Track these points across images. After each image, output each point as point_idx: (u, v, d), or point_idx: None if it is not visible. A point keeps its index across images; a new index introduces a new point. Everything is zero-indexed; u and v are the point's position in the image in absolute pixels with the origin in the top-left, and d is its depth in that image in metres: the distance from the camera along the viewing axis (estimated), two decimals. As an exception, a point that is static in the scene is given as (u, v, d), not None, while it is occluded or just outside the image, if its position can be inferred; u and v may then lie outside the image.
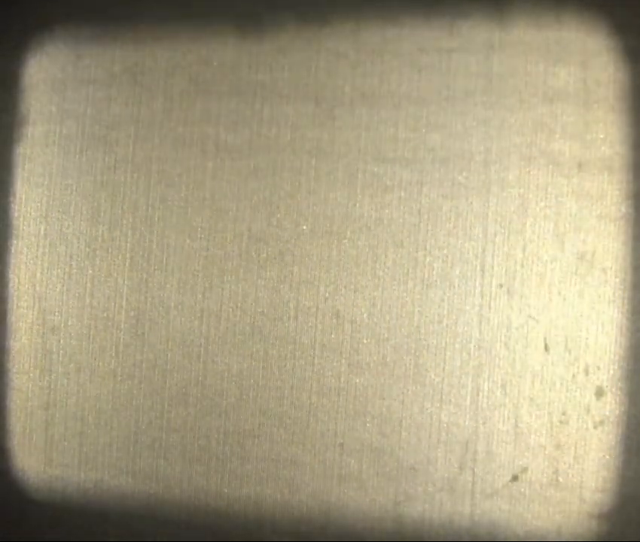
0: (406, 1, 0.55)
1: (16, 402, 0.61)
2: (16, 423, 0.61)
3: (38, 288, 0.60)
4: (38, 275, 0.60)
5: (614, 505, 0.51)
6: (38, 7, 0.61)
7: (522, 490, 0.52)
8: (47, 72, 0.60)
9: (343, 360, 0.55)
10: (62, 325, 0.60)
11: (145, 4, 0.60)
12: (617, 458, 0.51)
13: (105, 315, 0.59)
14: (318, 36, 0.56)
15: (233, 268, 0.57)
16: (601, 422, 0.51)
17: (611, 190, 0.51)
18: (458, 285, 0.54)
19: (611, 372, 0.51)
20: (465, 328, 0.53)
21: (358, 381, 0.55)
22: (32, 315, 0.61)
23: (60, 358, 0.60)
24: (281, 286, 0.56)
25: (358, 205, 0.55)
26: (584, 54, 0.52)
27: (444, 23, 0.54)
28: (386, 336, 0.55)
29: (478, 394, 0.53)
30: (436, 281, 0.54)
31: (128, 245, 0.59)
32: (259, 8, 0.57)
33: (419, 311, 0.54)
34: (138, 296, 0.59)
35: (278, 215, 0.56)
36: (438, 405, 0.54)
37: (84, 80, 0.60)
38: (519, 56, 0.53)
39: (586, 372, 0.52)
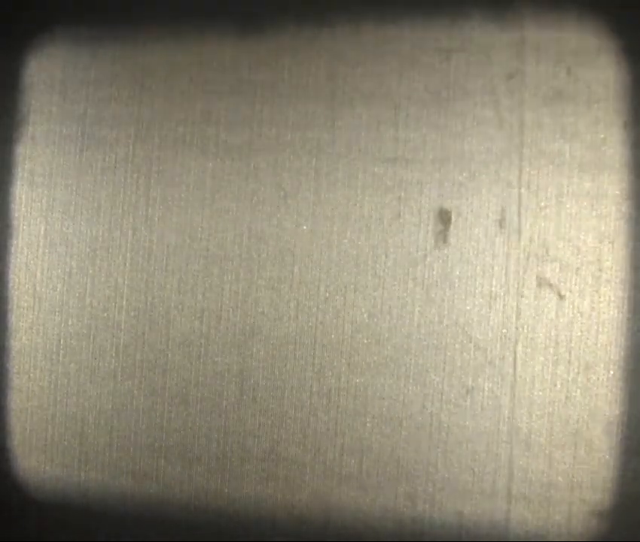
0: (406, 1, 0.55)
1: (16, 402, 0.61)
2: (16, 423, 0.61)
3: (38, 288, 0.60)
4: (38, 275, 0.60)
5: (614, 505, 0.51)
6: (38, 7, 0.61)
7: (522, 490, 0.52)
8: (47, 72, 0.60)
9: (343, 360, 0.55)
10: (62, 325, 0.60)
11: (145, 4, 0.60)
12: (617, 458, 0.51)
13: (105, 315, 0.59)
14: (318, 36, 0.56)
15: (233, 268, 0.57)
16: (601, 422, 0.51)
17: (611, 190, 0.51)
18: (458, 285, 0.54)
19: (611, 372, 0.51)
20: (465, 328, 0.53)
21: (358, 381, 0.55)
22: (32, 315, 0.61)
23: (60, 358, 0.60)
24: (281, 286, 0.56)
25: (357, 205, 0.55)
26: (584, 54, 0.52)
27: (444, 23, 0.54)
28: (386, 336, 0.55)
29: (478, 394, 0.53)
30: (436, 281, 0.54)
31: (128, 245, 0.59)
32: (259, 8, 0.57)
33: (419, 311, 0.54)
34: (138, 296, 0.59)
35: (278, 215, 0.56)
36: (438, 405, 0.54)
37: (84, 80, 0.60)
38: (519, 56, 0.53)
39: (586, 372, 0.52)
